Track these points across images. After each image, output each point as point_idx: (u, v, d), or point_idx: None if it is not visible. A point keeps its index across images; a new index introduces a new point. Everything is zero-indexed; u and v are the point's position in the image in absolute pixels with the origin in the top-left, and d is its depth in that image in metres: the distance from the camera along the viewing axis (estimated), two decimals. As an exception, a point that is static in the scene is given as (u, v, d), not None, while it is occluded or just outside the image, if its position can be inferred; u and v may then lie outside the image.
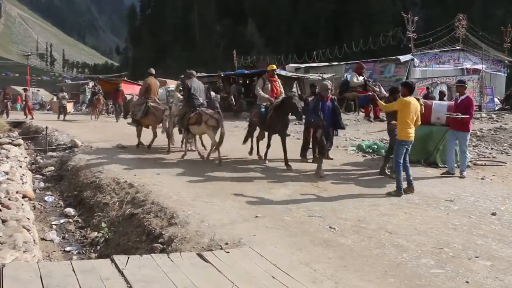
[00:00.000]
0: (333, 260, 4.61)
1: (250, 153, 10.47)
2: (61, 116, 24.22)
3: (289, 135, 10.58)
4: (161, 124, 12.17)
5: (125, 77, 38.99)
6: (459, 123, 8.64)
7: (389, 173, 8.46)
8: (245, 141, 10.78)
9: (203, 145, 11.77)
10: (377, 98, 8.81)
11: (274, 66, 10.62)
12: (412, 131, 7.37)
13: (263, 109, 9.86)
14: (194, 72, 11.34)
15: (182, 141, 11.64)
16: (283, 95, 10.11)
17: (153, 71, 12.84)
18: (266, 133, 9.96)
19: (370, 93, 11.20)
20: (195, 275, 3.94)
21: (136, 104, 12.62)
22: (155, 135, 12.19)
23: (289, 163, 9.36)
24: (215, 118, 9.91)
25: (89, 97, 39.14)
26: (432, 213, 6.27)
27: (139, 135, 12.51)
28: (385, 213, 6.26)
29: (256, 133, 10.59)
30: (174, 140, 11.81)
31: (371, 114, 12.86)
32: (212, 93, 13.64)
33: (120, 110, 20.45)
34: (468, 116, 8.62)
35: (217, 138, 9.86)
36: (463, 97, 8.87)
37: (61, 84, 49.11)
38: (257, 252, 4.58)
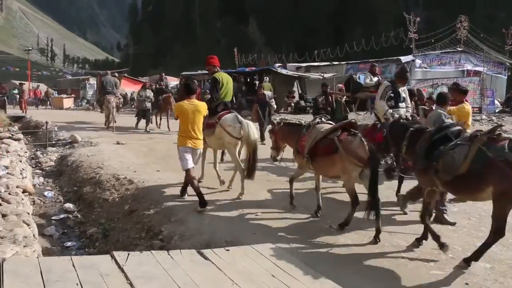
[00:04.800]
0: (333, 259, 4.63)
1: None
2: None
3: None
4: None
5: (126, 73, 38.87)
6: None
7: None
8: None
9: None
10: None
11: None
12: None
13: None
14: (109, 72, 19.33)
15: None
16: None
17: (108, 72, 19.43)
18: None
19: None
20: (195, 273, 3.94)
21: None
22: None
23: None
24: (112, 101, 15.92)
25: (90, 93, 39.07)
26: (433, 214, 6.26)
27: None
28: (385, 213, 6.25)
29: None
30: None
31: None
32: (269, 93, 13.97)
33: None
34: None
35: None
36: None
37: (61, 79, 48.52)
38: (257, 251, 4.58)
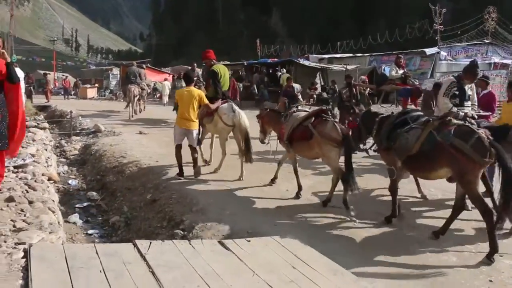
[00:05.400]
0: (354, 252, 4.60)
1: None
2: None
3: None
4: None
5: (148, 63, 39.10)
6: (479, 118, 8.54)
7: None
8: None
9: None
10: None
11: None
12: None
13: None
14: (134, 63, 19.93)
15: None
16: None
17: (134, 63, 20.66)
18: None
19: (409, 86, 10.88)
20: (216, 262, 3.97)
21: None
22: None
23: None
24: (133, 90, 16.46)
25: (113, 83, 39.41)
26: (456, 209, 6.16)
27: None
28: (406, 207, 6.18)
29: None
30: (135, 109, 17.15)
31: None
32: (297, 86, 13.45)
33: None
34: (490, 113, 8.53)
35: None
36: (485, 91, 8.72)
37: (85, 70, 48.96)
38: (278, 242, 4.59)
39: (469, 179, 4.64)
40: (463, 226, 5.49)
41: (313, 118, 6.27)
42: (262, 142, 7.58)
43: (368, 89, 11.85)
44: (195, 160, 7.66)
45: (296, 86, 13.33)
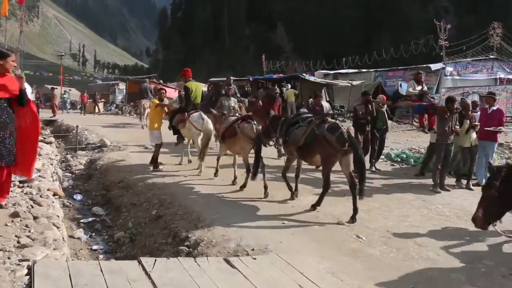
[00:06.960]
0: (361, 271, 4.53)
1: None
2: None
3: None
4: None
5: (155, 78, 39.35)
6: (488, 134, 8.50)
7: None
8: None
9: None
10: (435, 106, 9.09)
11: None
12: None
13: None
14: (147, 80, 24.38)
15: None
16: None
17: (147, 80, 25.20)
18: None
19: (425, 102, 10.74)
20: (222, 281, 3.91)
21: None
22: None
23: None
24: (143, 104, 18.55)
25: (120, 98, 39.52)
26: (463, 227, 6.10)
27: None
28: (414, 225, 6.13)
29: None
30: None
31: (425, 125, 11.83)
32: (327, 105, 12.56)
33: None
34: (501, 128, 8.60)
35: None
36: (494, 108, 8.71)
37: (92, 84, 49.36)
38: (284, 260, 4.53)
39: (330, 162, 6.35)
40: (472, 241, 5.43)
41: (240, 121, 8.11)
42: (216, 137, 10.20)
43: (386, 106, 11.42)
44: (155, 160, 9.63)
45: (326, 106, 11.97)
